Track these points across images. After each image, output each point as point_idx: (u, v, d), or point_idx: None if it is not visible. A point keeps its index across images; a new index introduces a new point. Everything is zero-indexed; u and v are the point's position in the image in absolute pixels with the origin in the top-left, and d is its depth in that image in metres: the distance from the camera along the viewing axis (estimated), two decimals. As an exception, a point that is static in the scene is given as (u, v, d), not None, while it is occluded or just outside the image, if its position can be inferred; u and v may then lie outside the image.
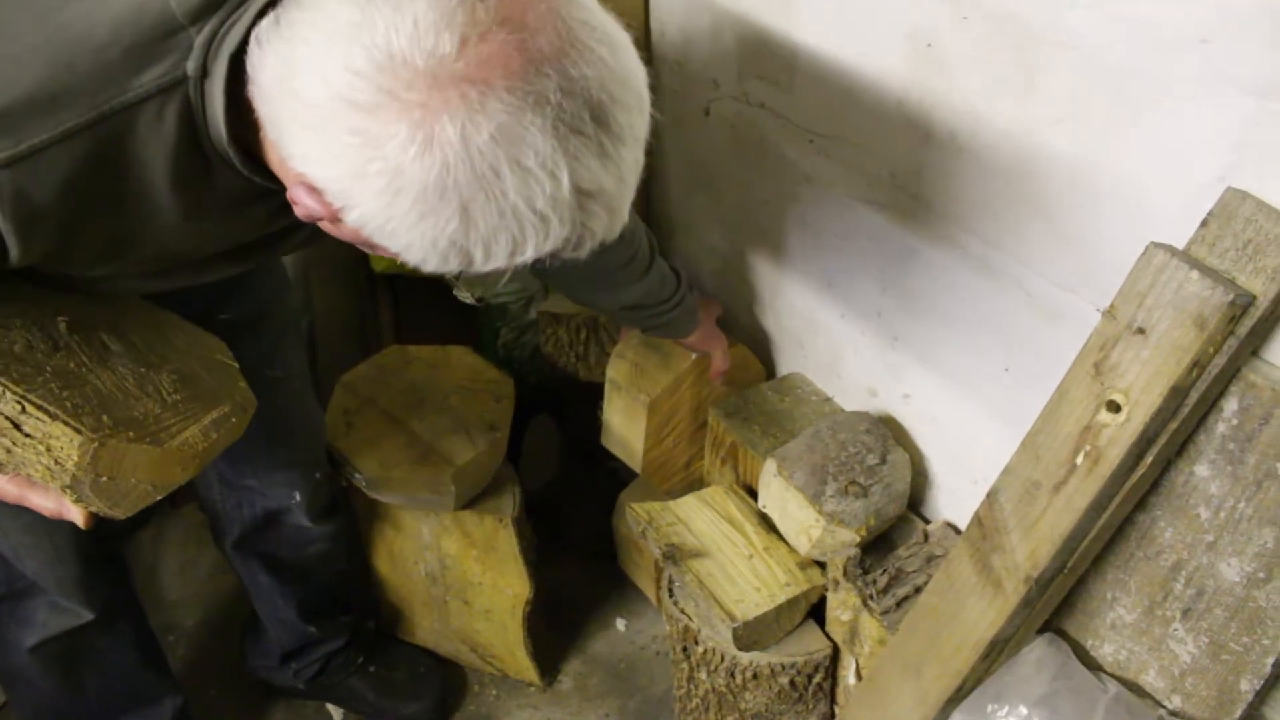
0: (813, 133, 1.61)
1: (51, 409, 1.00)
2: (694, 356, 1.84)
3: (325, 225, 0.93)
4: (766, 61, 1.66)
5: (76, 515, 1.07)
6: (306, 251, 2.20)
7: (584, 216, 0.85)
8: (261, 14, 0.88)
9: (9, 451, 1.03)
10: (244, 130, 0.93)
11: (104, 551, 1.60)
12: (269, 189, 1.00)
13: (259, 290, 1.58)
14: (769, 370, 1.98)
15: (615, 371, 1.91)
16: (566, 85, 0.80)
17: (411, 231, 0.84)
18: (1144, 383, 1.07)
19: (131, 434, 1.04)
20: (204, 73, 0.90)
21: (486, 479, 1.90)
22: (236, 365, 1.24)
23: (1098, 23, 1.12)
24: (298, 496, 1.77)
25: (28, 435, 1.01)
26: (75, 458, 1.01)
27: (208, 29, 0.90)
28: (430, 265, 0.87)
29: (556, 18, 0.81)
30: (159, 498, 1.11)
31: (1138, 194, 1.15)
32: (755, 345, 2.00)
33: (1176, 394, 1.05)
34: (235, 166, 0.96)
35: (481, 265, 0.86)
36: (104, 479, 1.03)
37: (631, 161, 0.87)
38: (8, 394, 1.00)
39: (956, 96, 1.33)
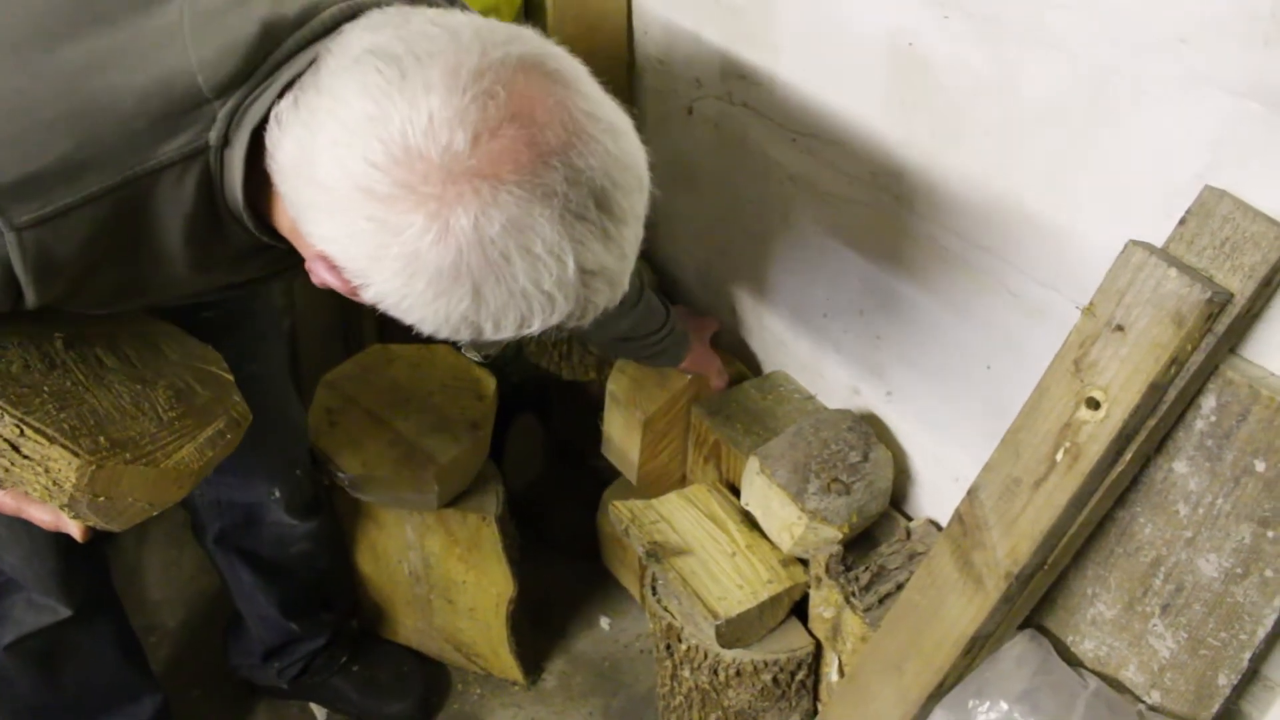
0: (795, 132, 1.62)
1: (50, 431, 1.02)
2: (689, 376, 1.86)
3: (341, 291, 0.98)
4: (749, 61, 1.66)
5: (73, 529, 1.10)
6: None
7: (588, 292, 0.91)
8: (283, 92, 0.92)
9: (7, 471, 1.04)
10: (256, 195, 0.98)
11: (83, 546, 1.59)
12: (270, 246, 1.05)
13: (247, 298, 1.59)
14: (753, 369, 1.99)
15: (615, 385, 1.94)
16: (572, 176, 0.85)
17: (426, 309, 0.89)
18: (1123, 380, 1.07)
19: (129, 455, 1.06)
20: (225, 143, 0.95)
21: (470, 477, 1.90)
22: (231, 378, 1.25)
23: (1077, 23, 1.12)
24: (276, 493, 1.77)
25: (26, 457, 1.03)
26: (73, 479, 1.02)
27: (231, 102, 0.94)
28: (442, 334, 0.93)
29: (563, 111, 0.86)
30: (155, 514, 1.13)
31: (1117, 192, 1.16)
32: (737, 344, 2.01)
33: (1155, 391, 1.06)
34: (248, 227, 1.01)
35: (491, 336, 0.92)
36: (101, 499, 1.05)
37: (632, 239, 0.94)
38: (6, 417, 1.01)
39: (938, 96, 1.34)
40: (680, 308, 1.89)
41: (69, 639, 1.66)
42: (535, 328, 0.91)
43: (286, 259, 1.10)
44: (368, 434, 1.81)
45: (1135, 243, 1.06)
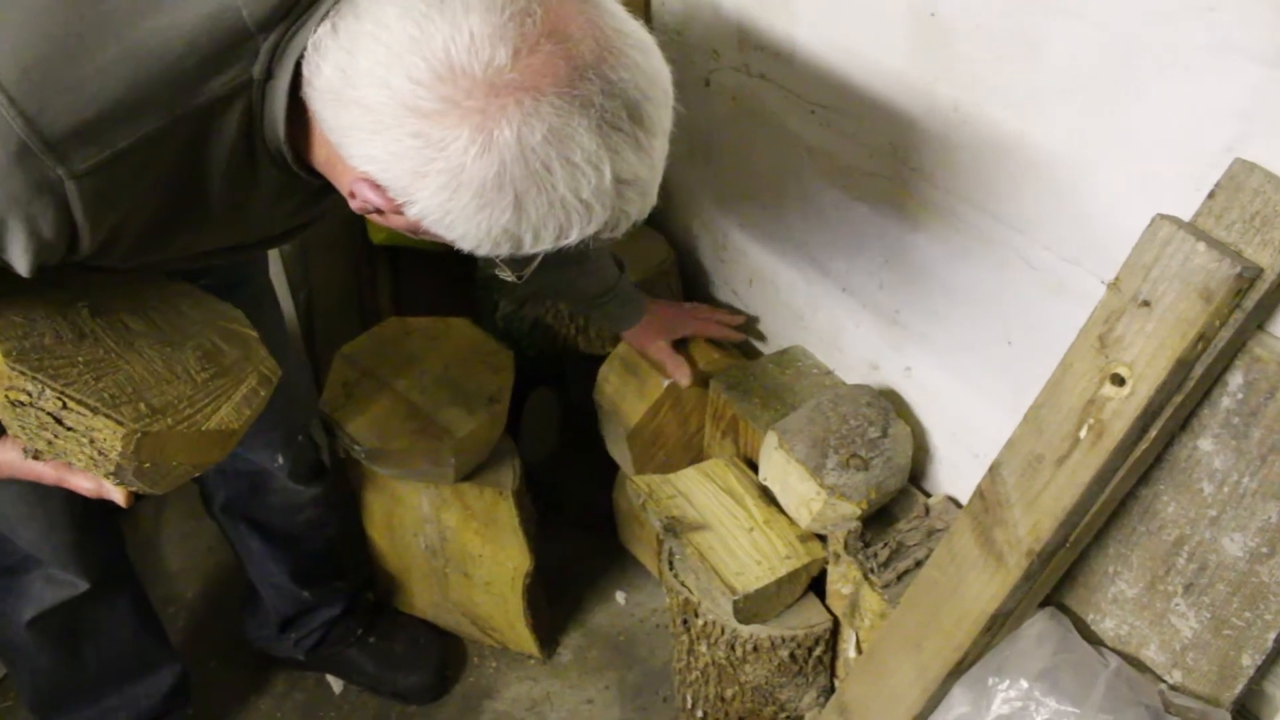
0: (814, 103, 1.60)
1: (91, 402, 1.03)
2: (666, 384, 1.87)
3: (377, 217, 1.02)
4: (768, 32, 1.64)
5: (117, 495, 1.13)
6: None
7: (622, 202, 0.95)
8: (321, 21, 0.95)
9: (50, 444, 1.06)
10: (293, 129, 1.01)
11: (98, 518, 1.60)
12: (300, 187, 1.10)
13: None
14: (769, 343, 1.97)
15: (600, 395, 1.97)
16: (607, 88, 0.90)
17: (469, 222, 0.93)
18: (1149, 356, 1.06)
19: (170, 420, 1.07)
20: (268, 75, 0.97)
21: (486, 451, 1.89)
22: (255, 334, 1.26)
23: (1105, -9, 1.10)
24: (280, 459, 1.78)
25: (70, 429, 1.04)
26: (119, 448, 1.04)
27: (274, 35, 0.96)
28: (482, 250, 0.97)
29: (595, 28, 0.91)
30: (197, 475, 1.17)
31: (1144, 165, 1.13)
32: (754, 318, 2.00)
33: (1181, 367, 1.05)
34: (285, 161, 1.04)
35: (529, 249, 0.96)
36: (147, 465, 1.07)
37: (661, 151, 0.98)
38: (47, 391, 1.03)
39: (960, 67, 1.31)
40: (663, 302, 1.92)
41: (88, 613, 1.67)
42: (572, 238, 0.95)
43: (307, 209, 1.16)
44: (384, 407, 1.80)
45: (1163, 216, 1.05)
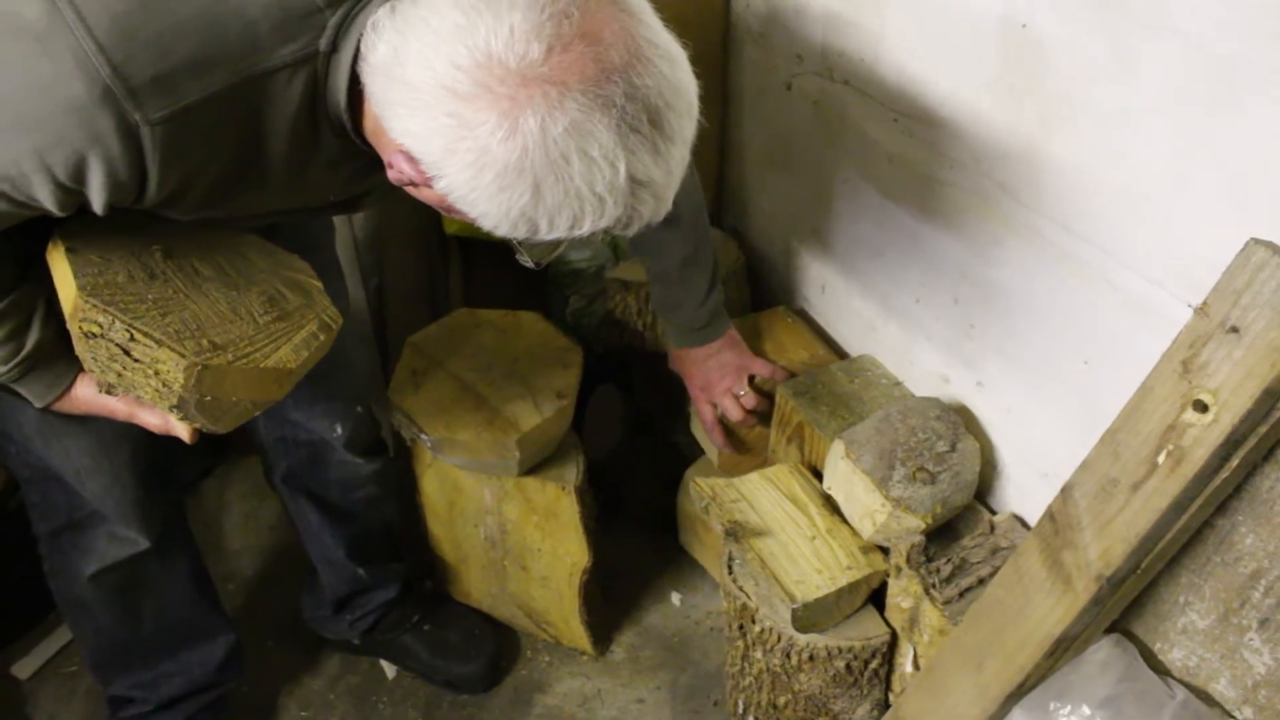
0: (897, 112, 1.58)
1: (157, 335, 1.11)
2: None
3: (411, 189, 1.10)
4: (852, 37, 1.63)
5: (182, 431, 1.24)
6: (380, 213, 2.21)
7: (635, 201, 1.00)
8: (384, 2, 1.03)
9: (120, 376, 1.14)
10: (351, 101, 1.08)
11: (161, 475, 1.64)
12: (357, 155, 1.16)
13: (309, 225, 1.66)
14: (839, 352, 1.96)
15: None
16: (630, 91, 0.96)
17: (490, 201, 0.99)
18: (1234, 383, 1.03)
19: (230, 356, 1.14)
20: (333, 49, 1.05)
21: (552, 446, 1.90)
22: (319, 284, 1.33)
23: (1203, 8, 1.08)
24: (339, 429, 1.80)
25: (136, 360, 1.12)
26: (181, 380, 1.11)
27: (341, 11, 1.05)
28: (501, 231, 1.03)
29: (628, 35, 0.97)
30: (257, 414, 1.23)
31: (1237, 188, 1.11)
32: (825, 326, 1.99)
33: (1269, 397, 1.02)
34: (344, 129, 1.11)
35: (544, 234, 1.02)
36: (208, 398, 1.14)
37: (679, 159, 1.02)
38: (117, 323, 1.10)
39: (1050, 81, 1.30)
40: (735, 345, 1.89)
41: (147, 571, 1.71)
42: (585, 229, 1.00)
43: (363, 179, 1.23)
44: (452, 397, 1.82)
45: (1256, 241, 1.02)
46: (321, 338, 1.25)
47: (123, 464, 1.55)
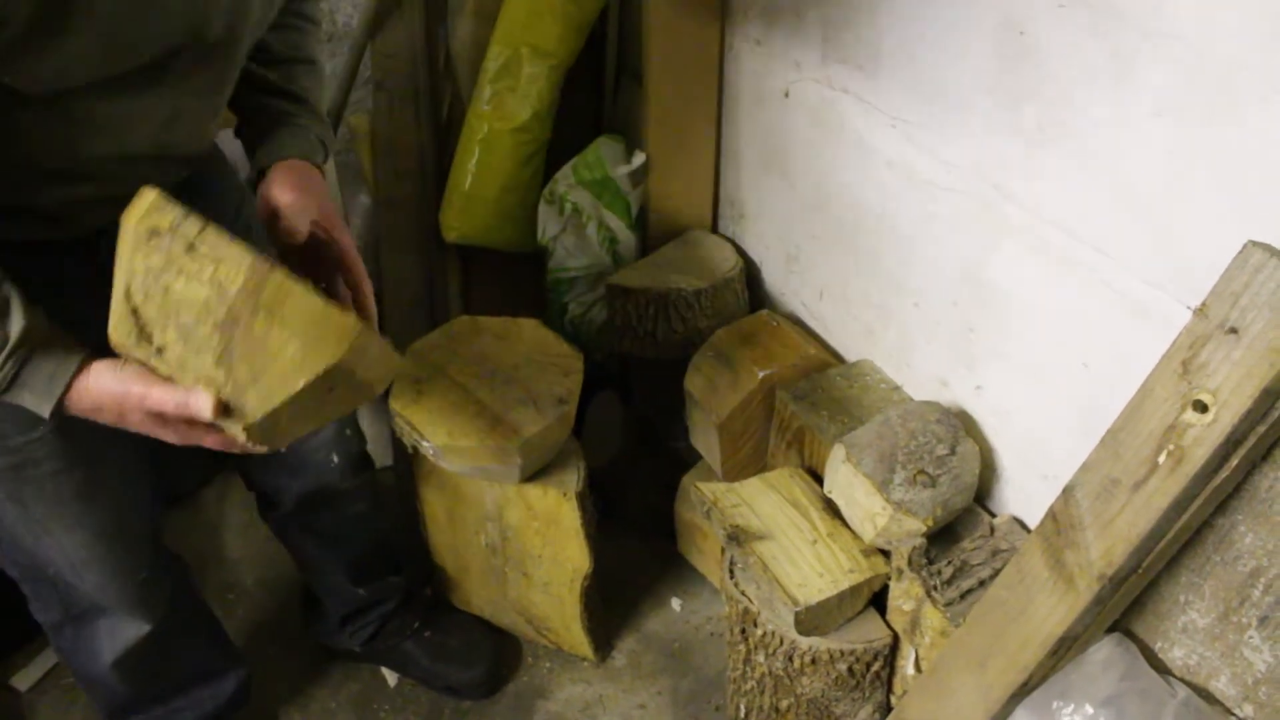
0: (895, 117, 1.60)
1: (229, 234, 1.02)
2: (761, 375, 1.87)
3: None
4: (851, 45, 1.64)
5: (205, 402, 1.03)
6: (377, 221, 2.21)
7: None
8: None
9: (165, 294, 1.03)
10: None
11: (163, 562, 1.63)
12: None
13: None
14: (838, 356, 1.97)
15: (691, 384, 1.97)
16: None
17: None
18: (1234, 384, 1.04)
19: (290, 277, 1.02)
20: None
21: (553, 452, 1.90)
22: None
23: (1203, 13, 1.09)
24: (335, 459, 1.78)
25: (198, 254, 1.02)
26: (240, 281, 1.00)
27: None
28: None
29: None
30: (304, 377, 1.03)
31: (1235, 191, 1.12)
32: (823, 331, 1.99)
33: (1267, 396, 1.03)
34: None
35: None
36: (261, 315, 1.01)
37: None
38: (191, 217, 1.02)
39: (1048, 86, 1.31)
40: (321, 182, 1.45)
41: (161, 643, 1.68)
42: None
43: None
44: (453, 404, 1.82)
45: (1254, 243, 1.03)
46: (396, 356, 1.13)
47: (124, 553, 1.51)
